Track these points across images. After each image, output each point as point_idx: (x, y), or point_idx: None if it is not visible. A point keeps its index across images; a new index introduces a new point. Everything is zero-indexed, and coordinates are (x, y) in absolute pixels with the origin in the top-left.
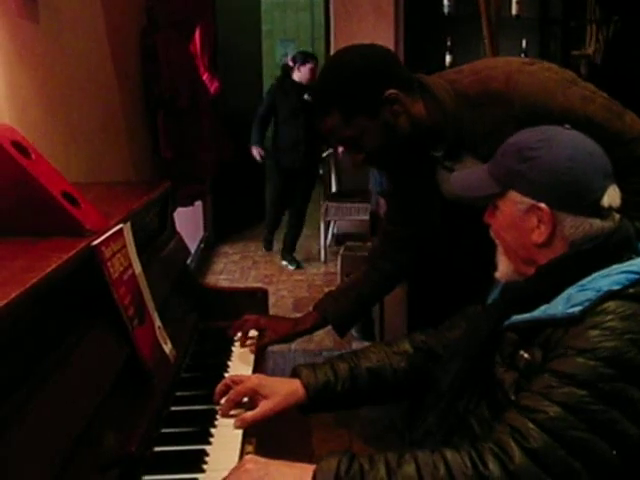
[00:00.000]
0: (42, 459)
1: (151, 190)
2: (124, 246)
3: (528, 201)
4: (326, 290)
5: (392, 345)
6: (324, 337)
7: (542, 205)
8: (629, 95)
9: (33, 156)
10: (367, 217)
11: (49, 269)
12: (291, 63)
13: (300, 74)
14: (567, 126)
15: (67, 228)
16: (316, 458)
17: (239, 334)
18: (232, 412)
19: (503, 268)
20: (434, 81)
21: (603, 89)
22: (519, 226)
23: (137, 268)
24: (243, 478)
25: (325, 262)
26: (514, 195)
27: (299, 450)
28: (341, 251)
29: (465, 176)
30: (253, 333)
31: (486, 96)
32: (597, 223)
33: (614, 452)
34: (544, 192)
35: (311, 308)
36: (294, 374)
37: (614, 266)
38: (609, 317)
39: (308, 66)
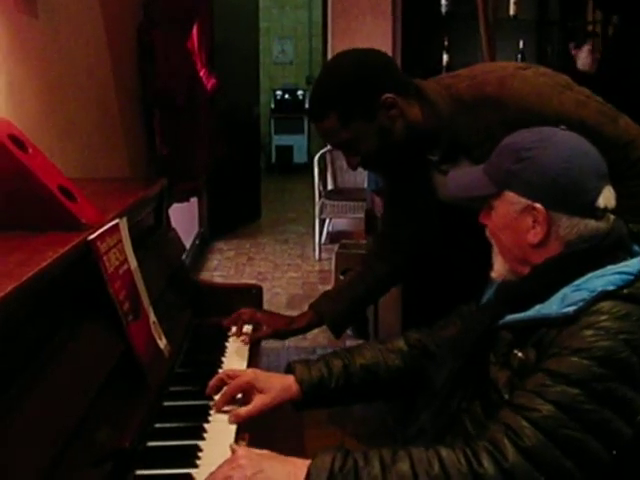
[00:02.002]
0: (36, 453)
1: (147, 186)
2: (120, 241)
3: (524, 201)
4: (320, 288)
5: (386, 343)
6: (318, 334)
7: (537, 205)
8: (627, 97)
9: (30, 150)
10: (362, 215)
11: (45, 263)
12: (573, 52)
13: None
14: (563, 127)
15: (63, 222)
16: (307, 454)
17: (233, 329)
18: (226, 408)
19: (498, 268)
20: (430, 86)
21: (599, 90)
22: (514, 226)
23: (132, 263)
24: (235, 475)
25: (319, 260)
26: (510, 195)
27: (290, 446)
28: (336, 249)
29: (461, 176)
30: (247, 328)
31: (480, 100)
32: (592, 224)
33: (610, 451)
34: (540, 192)
35: (307, 307)
36: (288, 370)
37: (608, 267)
38: (603, 317)
39: (586, 48)
